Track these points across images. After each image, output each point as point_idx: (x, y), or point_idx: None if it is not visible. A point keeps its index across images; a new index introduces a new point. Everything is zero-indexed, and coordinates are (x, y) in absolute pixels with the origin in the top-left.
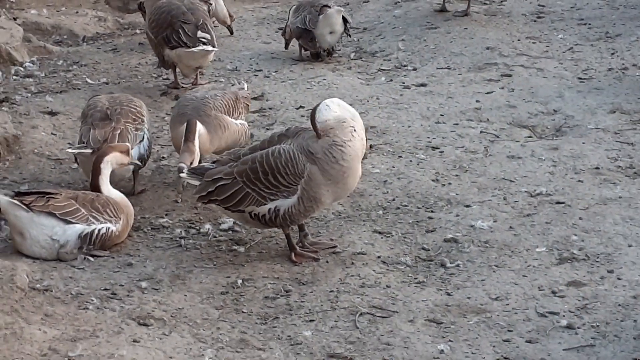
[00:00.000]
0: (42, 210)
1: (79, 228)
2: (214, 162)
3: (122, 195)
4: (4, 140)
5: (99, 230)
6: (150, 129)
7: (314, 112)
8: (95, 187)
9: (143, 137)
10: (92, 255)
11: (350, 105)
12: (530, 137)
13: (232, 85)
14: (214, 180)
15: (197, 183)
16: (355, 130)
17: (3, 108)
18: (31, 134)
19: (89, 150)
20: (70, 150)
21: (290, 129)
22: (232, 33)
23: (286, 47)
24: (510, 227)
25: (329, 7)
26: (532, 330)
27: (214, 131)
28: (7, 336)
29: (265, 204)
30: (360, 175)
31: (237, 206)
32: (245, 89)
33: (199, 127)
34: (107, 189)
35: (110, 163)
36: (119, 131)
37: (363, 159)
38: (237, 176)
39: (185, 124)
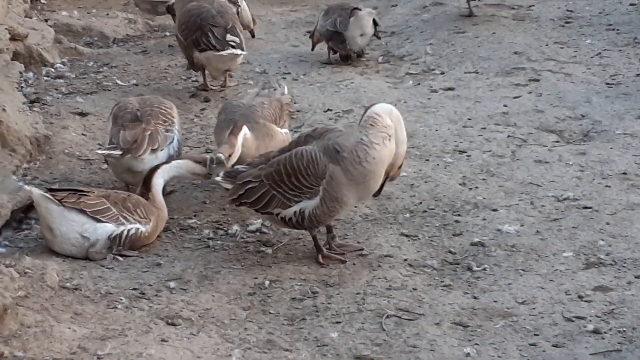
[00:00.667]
0: (73, 206)
1: (109, 228)
2: (248, 165)
3: (161, 198)
4: (35, 140)
5: (129, 230)
6: (180, 131)
7: (373, 104)
8: (147, 185)
9: (173, 139)
10: (121, 255)
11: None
12: (557, 141)
13: (274, 89)
14: (243, 183)
15: (230, 186)
16: (389, 139)
17: (34, 108)
18: (62, 134)
19: (118, 152)
20: (100, 152)
21: (316, 130)
22: (253, 37)
23: (312, 49)
24: (537, 231)
25: (360, 9)
26: (559, 334)
27: (261, 138)
28: (37, 334)
29: (290, 206)
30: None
31: (265, 208)
32: (286, 93)
33: (246, 131)
34: (157, 190)
35: (172, 169)
36: (149, 132)
37: (392, 179)
38: (264, 179)
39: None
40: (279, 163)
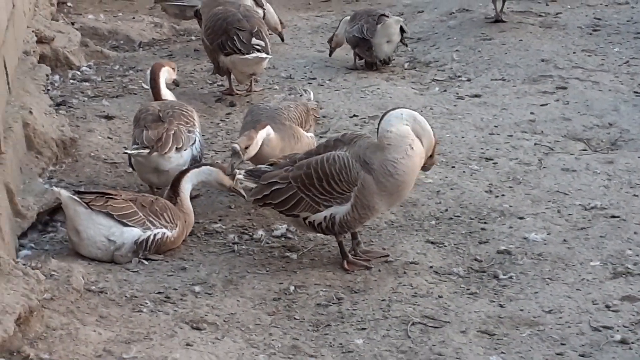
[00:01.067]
0: (101, 209)
1: (135, 232)
2: (271, 165)
3: (189, 203)
4: (61, 143)
5: (155, 235)
6: (202, 133)
7: (383, 115)
8: (175, 188)
9: (195, 140)
10: (147, 259)
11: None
12: (585, 150)
13: (300, 95)
14: (269, 184)
15: (253, 185)
16: (412, 148)
17: (60, 111)
18: (88, 137)
19: (146, 151)
20: (128, 151)
21: (346, 135)
22: (282, 40)
23: (330, 55)
24: (564, 240)
25: (387, 16)
26: (586, 344)
27: (287, 140)
28: (63, 337)
29: (320, 211)
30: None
31: (291, 211)
32: (312, 99)
33: (270, 130)
34: (185, 195)
35: (201, 174)
36: (172, 131)
37: (425, 170)
38: (292, 181)
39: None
40: (309, 166)
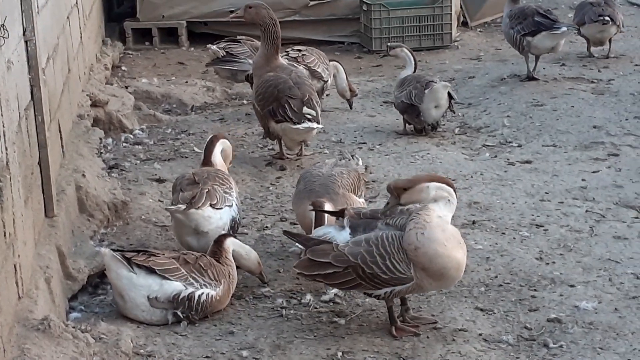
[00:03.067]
0: (142, 264)
1: (175, 286)
2: (341, 212)
3: (232, 258)
4: (112, 206)
5: (199, 295)
6: (252, 197)
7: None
8: (220, 244)
9: (232, 203)
10: (190, 320)
11: (454, 180)
12: (637, 217)
13: (348, 159)
14: (321, 264)
15: (299, 247)
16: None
17: (113, 174)
18: (139, 200)
19: (183, 206)
20: (167, 207)
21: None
22: (351, 107)
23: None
24: (616, 309)
25: (435, 82)
26: None
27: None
28: None
29: (380, 289)
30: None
31: (348, 290)
32: (361, 164)
33: (327, 206)
34: (228, 251)
35: (241, 247)
36: (206, 190)
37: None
38: (350, 269)
39: (311, 202)
40: (369, 254)
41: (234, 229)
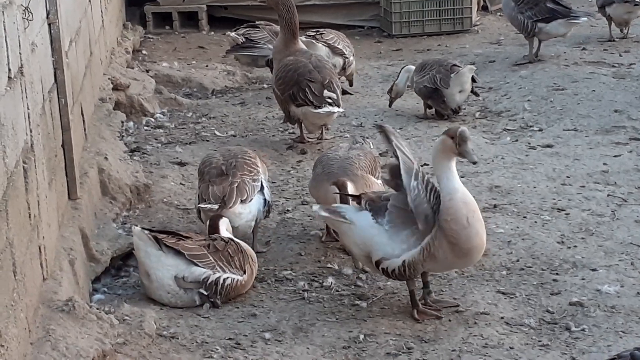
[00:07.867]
0: (172, 246)
1: (203, 271)
2: (358, 197)
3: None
4: (135, 189)
5: (224, 280)
6: (273, 180)
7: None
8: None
9: (262, 186)
10: (214, 304)
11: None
12: None
13: (362, 143)
14: None
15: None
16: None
17: (135, 157)
18: (161, 184)
19: (216, 206)
20: (201, 206)
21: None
22: (351, 86)
23: (390, 105)
24: (638, 292)
25: (459, 66)
26: None
27: (361, 190)
28: None
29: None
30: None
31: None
32: (372, 147)
33: (350, 186)
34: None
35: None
36: (236, 184)
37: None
38: None
39: (332, 184)
40: None
41: (268, 211)
